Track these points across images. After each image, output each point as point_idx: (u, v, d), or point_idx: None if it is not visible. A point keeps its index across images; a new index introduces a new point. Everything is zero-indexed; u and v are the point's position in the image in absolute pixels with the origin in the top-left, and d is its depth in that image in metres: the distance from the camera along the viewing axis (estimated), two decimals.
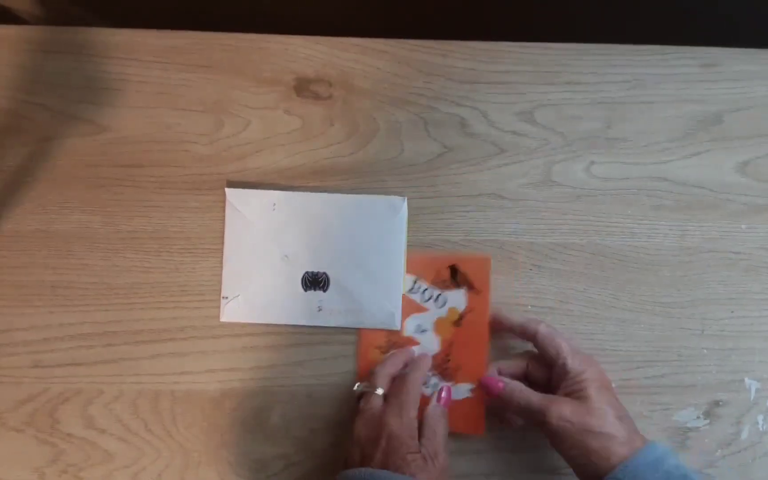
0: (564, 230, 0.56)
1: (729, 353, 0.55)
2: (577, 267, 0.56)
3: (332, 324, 0.54)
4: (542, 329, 0.50)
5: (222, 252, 0.55)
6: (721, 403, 0.54)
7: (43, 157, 0.56)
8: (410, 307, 0.55)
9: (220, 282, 0.55)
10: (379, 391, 0.50)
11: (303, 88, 0.57)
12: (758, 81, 0.58)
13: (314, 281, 0.55)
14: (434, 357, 0.54)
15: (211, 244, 0.55)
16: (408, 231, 0.56)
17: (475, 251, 0.55)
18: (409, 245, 0.55)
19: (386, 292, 0.55)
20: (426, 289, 0.55)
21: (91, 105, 0.56)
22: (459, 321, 0.54)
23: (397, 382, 0.50)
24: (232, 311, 0.54)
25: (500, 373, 0.52)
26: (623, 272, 0.56)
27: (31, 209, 0.55)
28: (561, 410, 0.46)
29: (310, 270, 0.55)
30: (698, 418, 0.54)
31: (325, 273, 0.55)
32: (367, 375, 0.52)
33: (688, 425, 0.54)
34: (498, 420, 0.53)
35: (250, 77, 0.57)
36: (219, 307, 0.54)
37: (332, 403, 0.54)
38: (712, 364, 0.55)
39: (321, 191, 0.56)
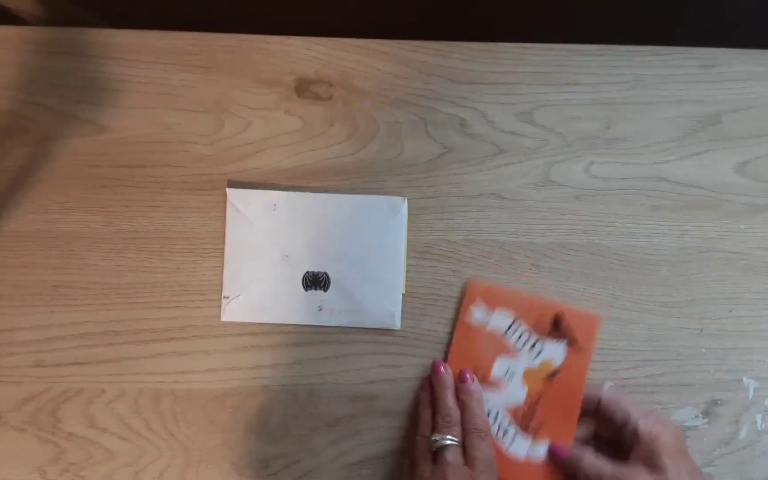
0: (563, 230, 0.56)
1: (727, 352, 0.55)
2: (576, 267, 0.56)
3: (333, 324, 0.55)
4: (606, 393, 0.49)
5: (223, 252, 0.55)
6: (719, 402, 0.54)
7: (44, 158, 0.56)
8: (501, 349, 0.53)
9: (221, 282, 0.55)
10: (458, 441, 0.48)
11: (303, 88, 0.57)
12: (758, 81, 0.58)
13: (315, 281, 0.55)
14: (518, 408, 0.52)
15: (212, 244, 0.55)
16: (408, 231, 0.56)
17: (584, 308, 0.54)
18: (410, 245, 0.56)
19: (386, 292, 0.55)
20: (523, 334, 0.53)
21: (92, 105, 0.56)
22: (552, 376, 0.52)
23: (473, 438, 0.48)
24: (233, 311, 0.55)
25: None
26: (622, 272, 0.56)
27: (32, 209, 0.55)
28: None
29: (310, 270, 0.55)
30: (697, 417, 0.54)
31: (325, 273, 0.55)
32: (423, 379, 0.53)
33: (687, 424, 0.54)
34: None
35: (251, 78, 0.57)
36: (220, 306, 0.55)
37: (333, 403, 0.54)
38: (711, 364, 0.55)
39: (321, 191, 0.56)
